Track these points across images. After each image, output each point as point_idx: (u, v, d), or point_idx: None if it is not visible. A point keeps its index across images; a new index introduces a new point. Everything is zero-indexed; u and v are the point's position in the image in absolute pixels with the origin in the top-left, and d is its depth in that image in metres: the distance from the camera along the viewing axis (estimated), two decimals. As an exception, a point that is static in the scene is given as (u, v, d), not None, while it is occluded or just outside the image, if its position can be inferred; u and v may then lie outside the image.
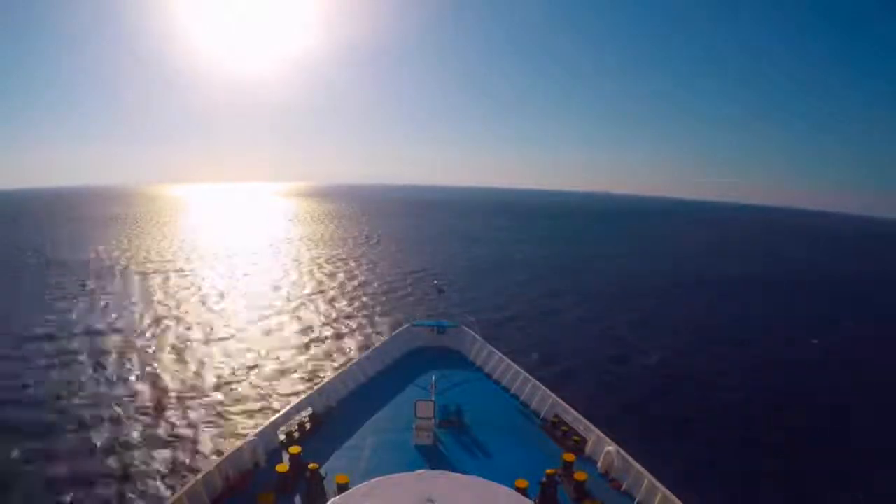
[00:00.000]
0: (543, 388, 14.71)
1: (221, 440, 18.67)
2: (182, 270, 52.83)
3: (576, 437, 12.60)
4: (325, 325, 33.99)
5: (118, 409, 21.00)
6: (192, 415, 20.64)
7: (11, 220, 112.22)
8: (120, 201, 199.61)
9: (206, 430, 19.49)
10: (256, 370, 25.52)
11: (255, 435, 11.63)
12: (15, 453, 17.57)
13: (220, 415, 20.72)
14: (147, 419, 20.29)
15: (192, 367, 25.68)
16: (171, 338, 30.42)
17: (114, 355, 27.20)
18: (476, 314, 30.70)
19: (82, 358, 26.71)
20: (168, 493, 15.14)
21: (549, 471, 10.07)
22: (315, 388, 14.79)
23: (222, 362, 26.53)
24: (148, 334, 31.09)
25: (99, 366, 25.69)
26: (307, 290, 44.36)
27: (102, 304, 38.05)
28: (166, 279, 48.09)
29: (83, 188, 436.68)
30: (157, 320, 34.13)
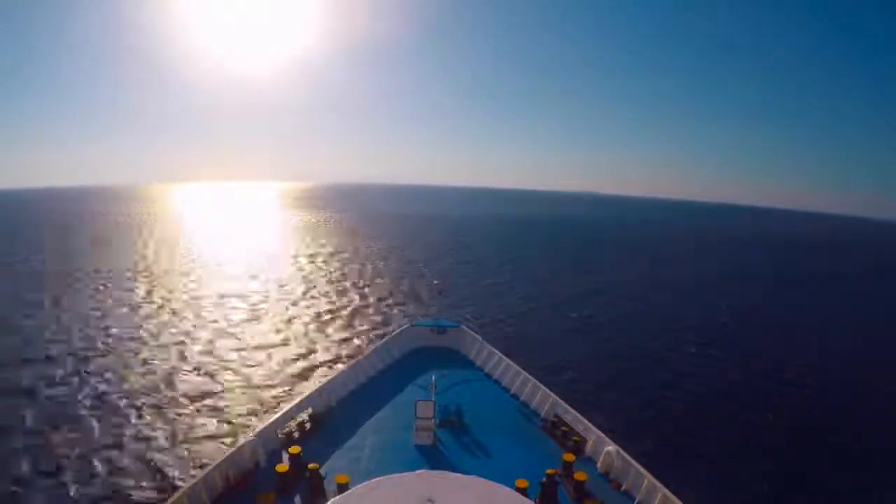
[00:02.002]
0: (543, 388, 14.73)
1: (221, 440, 18.66)
2: (179, 275, 52.78)
3: (576, 437, 12.61)
4: (324, 325, 34.00)
5: (117, 410, 21.01)
6: (191, 416, 20.62)
7: None
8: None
9: (205, 430, 19.46)
10: (256, 370, 25.51)
11: (255, 435, 11.63)
12: (12, 451, 17.59)
13: (219, 415, 20.69)
14: (146, 420, 20.26)
15: (190, 369, 25.66)
16: (167, 340, 30.40)
17: (108, 356, 27.22)
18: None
19: (77, 359, 26.74)
20: (168, 492, 15.14)
21: (549, 471, 10.09)
22: (315, 388, 14.80)
23: (221, 363, 26.53)
24: (144, 336, 31.08)
25: (95, 365, 25.71)
26: (305, 292, 44.38)
27: (98, 305, 38.04)
28: (161, 283, 48.05)
29: (82, 188, 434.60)
30: (152, 323, 34.14)
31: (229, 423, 20.04)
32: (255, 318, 35.26)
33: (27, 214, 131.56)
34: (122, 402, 21.65)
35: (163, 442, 18.56)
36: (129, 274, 49.84)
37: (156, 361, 26.41)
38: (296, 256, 63.84)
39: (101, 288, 43.45)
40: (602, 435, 12.13)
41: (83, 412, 20.70)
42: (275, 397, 22.29)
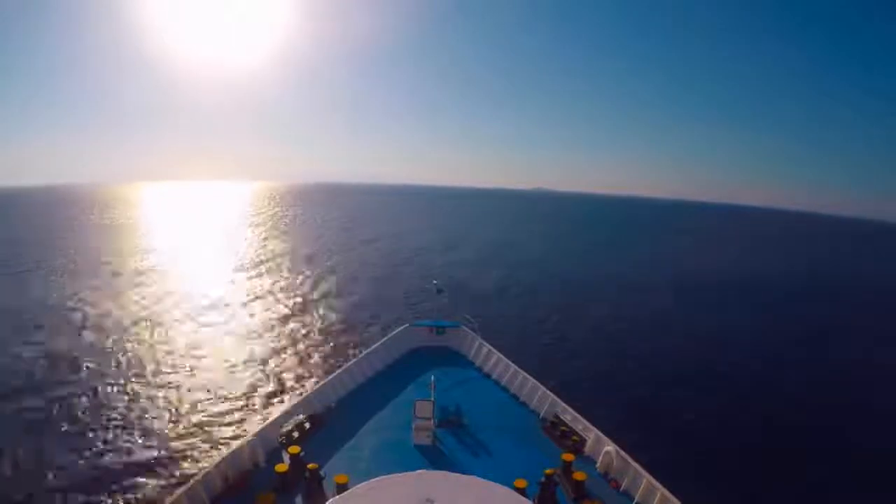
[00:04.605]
0: (543, 387, 14.75)
1: (220, 441, 18.66)
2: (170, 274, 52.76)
3: (575, 437, 12.62)
4: (323, 326, 33.99)
5: (116, 411, 21.01)
6: (190, 416, 20.62)
7: None
8: None
9: (204, 431, 19.46)
10: (254, 371, 25.52)
11: (255, 435, 11.65)
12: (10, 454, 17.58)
13: (217, 416, 20.71)
14: (145, 421, 20.27)
15: (189, 370, 25.68)
16: (166, 341, 30.40)
17: (103, 358, 27.21)
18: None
19: (76, 357, 26.71)
20: (167, 493, 15.12)
21: (548, 471, 10.10)
22: (315, 388, 14.80)
23: (219, 364, 26.53)
24: (142, 337, 31.06)
25: (94, 366, 25.69)
26: (303, 292, 44.36)
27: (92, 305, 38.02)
28: (154, 283, 48.03)
29: (45, 187, 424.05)
30: (149, 323, 34.12)
31: (227, 423, 20.06)
32: (250, 318, 35.32)
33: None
34: (120, 402, 21.67)
35: (161, 443, 18.55)
36: (131, 270, 49.86)
37: (153, 362, 26.43)
38: (287, 257, 63.88)
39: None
40: (601, 435, 12.14)
41: (79, 413, 20.71)
42: (273, 397, 22.34)
